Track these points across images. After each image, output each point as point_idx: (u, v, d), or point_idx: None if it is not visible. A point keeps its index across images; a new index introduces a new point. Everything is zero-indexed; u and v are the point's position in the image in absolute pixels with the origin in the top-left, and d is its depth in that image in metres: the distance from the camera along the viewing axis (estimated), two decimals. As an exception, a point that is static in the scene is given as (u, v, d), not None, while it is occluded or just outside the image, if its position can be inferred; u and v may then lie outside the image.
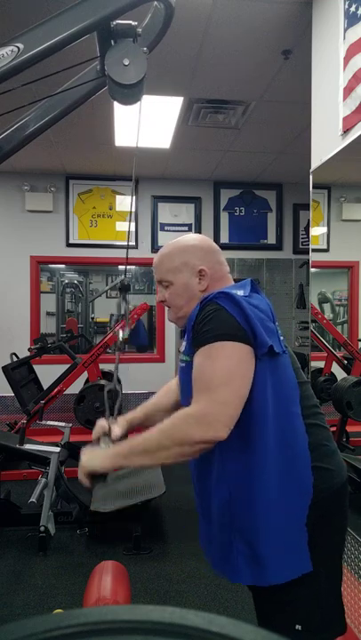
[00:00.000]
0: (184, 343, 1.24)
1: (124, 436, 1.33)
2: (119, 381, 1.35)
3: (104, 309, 8.15)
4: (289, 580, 1.12)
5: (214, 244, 1.32)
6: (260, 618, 1.25)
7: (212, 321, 1.09)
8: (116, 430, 1.31)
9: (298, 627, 1.13)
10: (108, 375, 4.50)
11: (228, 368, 1.07)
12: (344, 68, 2.09)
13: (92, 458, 1.17)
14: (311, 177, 2.45)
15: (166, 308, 1.33)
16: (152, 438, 1.10)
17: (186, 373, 1.18)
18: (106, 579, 1.34)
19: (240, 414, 1.08)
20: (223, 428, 1.04)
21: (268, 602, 1.22)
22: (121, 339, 1.38)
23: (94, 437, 1.32)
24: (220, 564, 1.22)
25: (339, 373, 3.78)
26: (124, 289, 1.45)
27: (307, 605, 1.14)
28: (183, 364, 1.23)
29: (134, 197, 5.42)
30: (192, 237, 1.31)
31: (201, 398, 1.07)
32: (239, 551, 1.15)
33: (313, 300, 3.74)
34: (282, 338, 1.20)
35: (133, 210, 5.49)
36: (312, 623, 1.14)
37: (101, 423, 1.31)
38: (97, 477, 1.18)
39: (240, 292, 1.15)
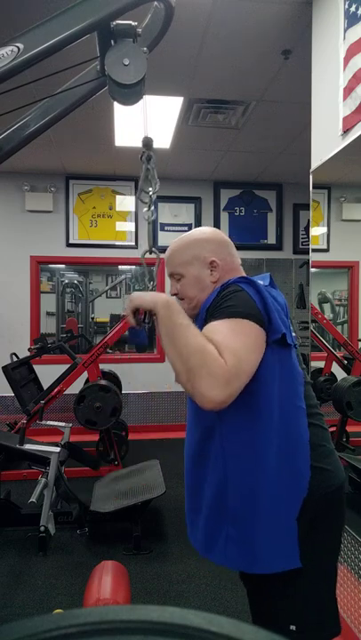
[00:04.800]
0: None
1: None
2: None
3: (104, 309, 8.15)
4: (277, 571, 1.12)
5: (225, 236, 1.33)
6: (254, 618, 1.25)
7: (233, 299, 1.09)
8: None
9: (292, 627, 1.13)
10: (108, 375, 4.50)
11: (249, 344, 1.05)
12: (344, 68, 2.09)
13: (143, 295, 1.14)
14: (311, 177, 2.45)
15: (179, 302, 1.33)
16: (187, 342, 1.02)
17: None
18: (106, 579, 1.34)
19: (245, 397, 1.06)
20: (228, 399, 1.00)
21: (263, 602, 1.22)
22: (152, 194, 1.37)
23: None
24: (206, 546, 1.21)
25: (339, 373, 3.78)
26: (147, 146, 1.37)
27: (302, 606, 1.14)
28: None
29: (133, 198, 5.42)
30: (203, 230, 1.32)
31: (231, 358, 1.00)
32: (229, 535, 1.15)
33: (313, 299, 3.74)
34: (294, 334, 1.21)
35: (134, 210, 5.49)
36: (306, 624, 1.14)
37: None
38: (140, 317, 1.17)
39: (261, 282, 1.17)
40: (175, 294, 1.31)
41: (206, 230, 1.32)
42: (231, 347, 1.01)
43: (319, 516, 1.15)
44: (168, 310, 1.09)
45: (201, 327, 1.13)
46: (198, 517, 1.23)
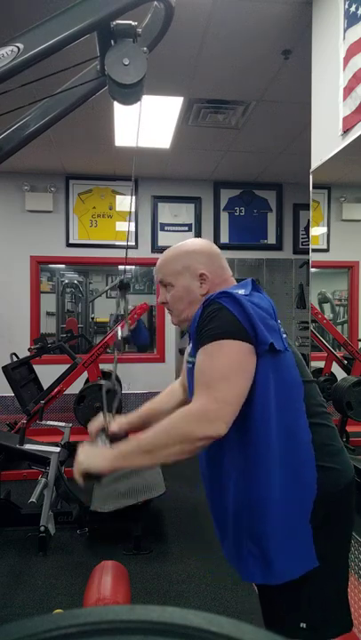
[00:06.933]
0: (190, 345, 1.26)
1: (124, 436, 1.33)
2: (118, 381, 1.36)
3: (104, 309, 8.15)
4: (297, 577, 1.13)
5: (217, 248, 1.34)
6: (265, 616, 1.26)
7: (214, 320, 1.11)
8: (114, 427, 1.32)
9: (303, 625, 1.14)
10: (108, 375, 4.50)
11: (227, 366, 1.08)
12: (344, 68, 2.09)
13: (90, 457, 1.16)
14: (311, 177, 2.45)
15: (167, 311, 1.34)
16: (152, 437, 1.10)
17: (192, 374, 1.19)
18: (106, 579, 1.34)
19: (242, 411, 1.09)
20: (223, 424, 1.05)
21: (274, 601, 1.23)
22: (119, 337, 1.42)
23: (91, 433, 1.33)
24: (234, 560, 1.24)
25: (339, 373, 3.77)
26: (123, 287, 1.45)
27: (311, 604, 1.15)
28: (190, 365, 1.24)
29: (134, 197, 5.42)
30: (195, 242, 1.33)
31: (201, 395, 1.08)
32: (249, 551, 1.16)
33: (313, 300, 3.74)
34: (284, 336, 1.20)
35: (134, 210, 5.49)
36: (317, 621, 1.16)
37: (99, 419, 1.33)
38: (92, 477, 1.16)
39: (241, 292, 1.16)
40: (164, 303, 1.32)
41: (198, 242, 1.34)
42: (204, 382, 1.09)
43: (330, 514, 1.16)
44: (122, 460, 1.12)
45: (194, 345, 1.19)
46: (226, 530, 1.25)
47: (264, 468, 1.13)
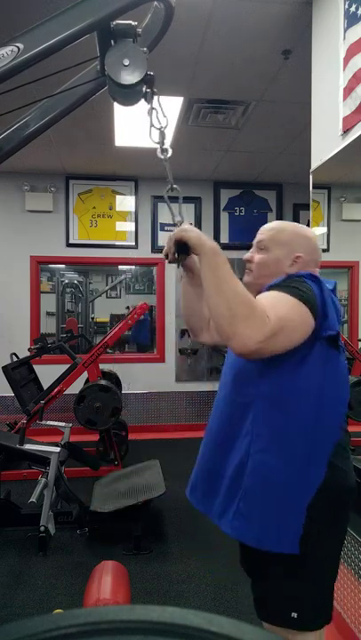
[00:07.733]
0: None
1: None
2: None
3: (104, 309, 8.16)
4: (274, 550, 1.16)
5: (319, 247, 1.39)
6: (258, 606, 1.29)
7: (295, 284, 1.15)
8: None
9: (294, 614, 1.18)
10: (108, 375, 4.50)
11: (295, 320, 1.10)
12: (344, 68, 2.09)
13: (192, 229, 1.18)
14: (311, 177, 2.45)
15: (246, 269, 1.36)
16: (237, 291, 1.07)
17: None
18: (106, 579, 1.34)
19: (289, 389, 1.14)
20: (261, 351, 1.06)
21: (266, 591, 1.26)
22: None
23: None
24: (213, 512, 1.27)
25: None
26: (148, 82, 1.37)
27: (303, 595, 1.19)
28: None
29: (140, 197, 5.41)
30: (307, 229, 1.40)
31: (274, 320, 1.06)
32: (238, 509, 1.20)
33: (313, 299, 3.73)
34: (342, 342, 1.25)
35: (134, 209, 5.47)
36: (307, 612, 1.19)
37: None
38: (181, 247, 1.19)
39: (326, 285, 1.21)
40: (249, 261, 1.35)
41: (310, 231, 1.40)
42: (278, 311, 1.08)
43: (331, 511, 1.20)
44: (216, 254, 1.12)
45: None
46: (218, 488, 1.27)
47: (289, 444, 1.17)
